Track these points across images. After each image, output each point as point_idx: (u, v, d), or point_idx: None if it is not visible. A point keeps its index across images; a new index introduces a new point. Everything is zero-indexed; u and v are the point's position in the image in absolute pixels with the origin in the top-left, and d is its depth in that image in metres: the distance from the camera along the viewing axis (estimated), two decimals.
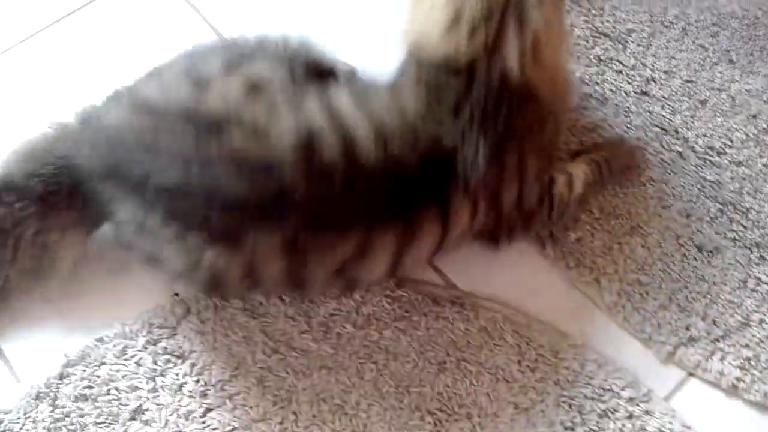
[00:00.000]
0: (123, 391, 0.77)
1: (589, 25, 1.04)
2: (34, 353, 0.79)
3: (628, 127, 0.97)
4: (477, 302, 0.84)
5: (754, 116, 0.99)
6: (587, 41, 1.03)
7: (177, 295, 0.82)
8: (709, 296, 0.87)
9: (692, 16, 1.07)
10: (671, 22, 1.06)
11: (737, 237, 0.91)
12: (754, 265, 0.89)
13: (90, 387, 0.77)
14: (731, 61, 1.04)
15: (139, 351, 0.79)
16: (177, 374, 0.78)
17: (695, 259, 0.89)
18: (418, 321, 0.82)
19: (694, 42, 1.05)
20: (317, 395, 0.77)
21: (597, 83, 1.00)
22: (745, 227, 0.92)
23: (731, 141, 0.97)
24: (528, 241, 0.89)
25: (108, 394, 0.76)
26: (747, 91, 1.01)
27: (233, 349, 0.79)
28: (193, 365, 0.78)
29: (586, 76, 1.00)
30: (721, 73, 1.03)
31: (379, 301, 0.82)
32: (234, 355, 0.79)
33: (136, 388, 0.77)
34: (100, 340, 0.79)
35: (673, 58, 1.03)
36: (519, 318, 0.83)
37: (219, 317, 0.81)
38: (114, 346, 0.79)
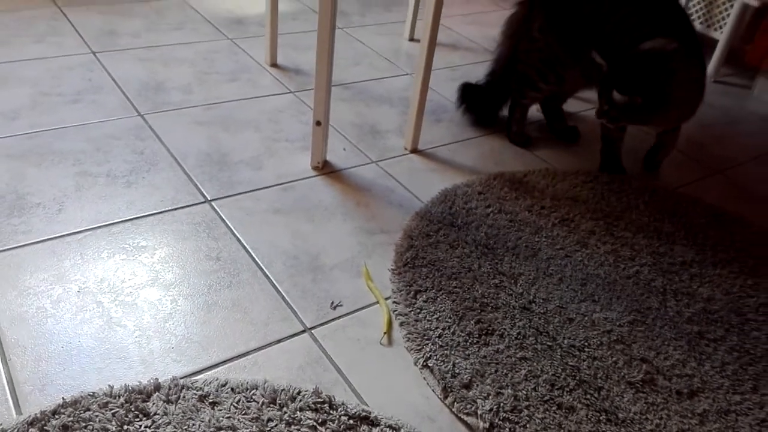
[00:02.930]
0: (96, 429, 1.00)
1: (491, 268, 1.47)
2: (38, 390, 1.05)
3: (511, 327, 1.31)
4: None
5: (608, 332, 1.34)
6: (489, 275, 1.44)
7: (157, 379, 1.10)
8: None
9: (548, 271, 1.49)
10: (551, 274, 1.48)
11: (590, 404, 1.18)
12: (602, 424, 1.14)
13: (73, 422, 1.00)
14: (594, 301, 1.42)
15: (117, 407, 1.04)
16: (140, 425, 1.02)
17: (555, 413, 1.15)
18: None
19: (567, 287, 1.45)
20: None
21: (492, 298, 1.38)
22: (596, 398, 1.19)
23: (589, 344, 1.30)
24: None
25: (85, 428, 1.00)
26: (605, 318, 1.37)
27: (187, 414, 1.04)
28: (153, 422, 1.03)
29: (485, 293, 1.39)
30: (586, 306, 1.40)
31: None
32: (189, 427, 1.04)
33: (106, 429, 1.00)
34: (92, 394, 1.05)
35: (551, 293, 1.42)
36: None
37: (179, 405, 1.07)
38: (100, 399, 1.04)
